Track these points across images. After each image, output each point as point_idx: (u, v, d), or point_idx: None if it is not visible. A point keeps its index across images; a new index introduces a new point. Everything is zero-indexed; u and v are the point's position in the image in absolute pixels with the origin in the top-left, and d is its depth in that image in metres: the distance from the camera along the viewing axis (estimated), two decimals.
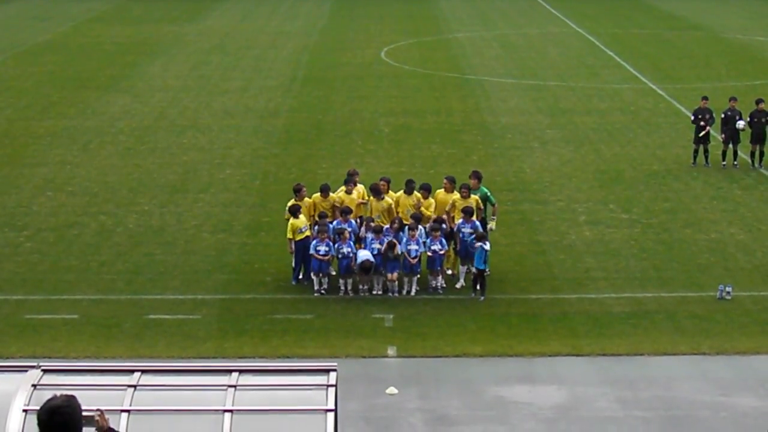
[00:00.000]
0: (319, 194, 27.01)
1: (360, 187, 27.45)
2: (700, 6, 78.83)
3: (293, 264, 26.37)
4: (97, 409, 10.26)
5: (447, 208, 26.67)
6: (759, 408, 20.60)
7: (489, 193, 27.36)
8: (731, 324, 24.18)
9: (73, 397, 9.25)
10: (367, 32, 67.18)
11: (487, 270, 25.95)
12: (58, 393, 9.31)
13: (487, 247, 25.52)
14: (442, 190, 27.03)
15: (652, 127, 41.54)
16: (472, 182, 27.12)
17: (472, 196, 26.71)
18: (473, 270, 25.66)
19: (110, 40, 64.09)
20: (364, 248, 25.77)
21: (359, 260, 25.36)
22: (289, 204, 26.49)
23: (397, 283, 25.74)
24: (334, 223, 26.16)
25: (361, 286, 25.74)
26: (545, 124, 42.04)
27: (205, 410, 13.29)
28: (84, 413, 9.34)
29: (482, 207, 26.80)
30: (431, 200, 26.75)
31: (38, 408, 9.24)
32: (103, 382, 13.59)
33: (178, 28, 68.81)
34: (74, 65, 55.60)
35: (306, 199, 26.76)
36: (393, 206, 26.69)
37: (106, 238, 29.55)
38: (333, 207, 26.78)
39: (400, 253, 25.47)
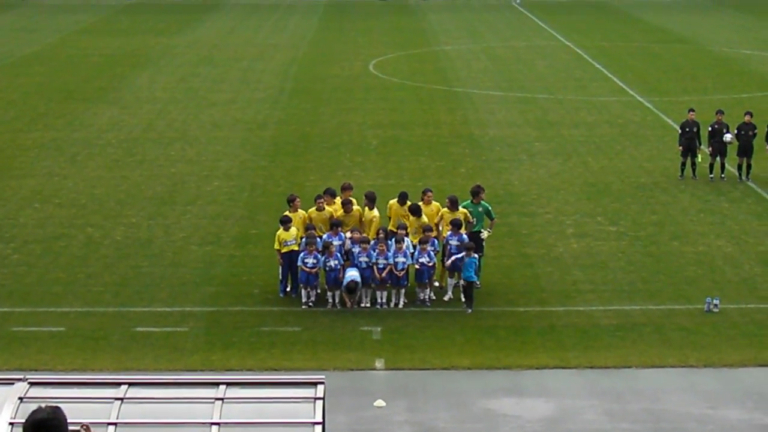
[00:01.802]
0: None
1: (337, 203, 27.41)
2: (686, 19, 79.07)
3: (280, 276, 26.35)
4: (82, 425, 10.20)
5: (435, 221, 26.69)
6: (746, 420, 20.62)
7: (490, 208, 27.38)
8: (719, 336, 24.20)
9: (58, 408, 9.19)
10: (355, 45, 67.25)
11: (477, 283, 25.97)
12: (44, 405, 9.24)
13: (475, 256, 25.57)
14: (421, 203, 27.13)
15: (640, 140, 41.62)
16: (477, 197, 27.13)
17: (461, 209, 26.72)
18: (462, 282, 25.65)
19: (98, 51, 64.02)
20: (353, 263, 25.73)
21: (346, 279, 25.32)
22: (282, 215, 26.51)
23: (386, 293, 25.75)
24: (324, 236, 26.11)
25: (348, 305, 25.67)
26: (533, 137, 42.09)
27: (193, 423, 13.26)
28: (70, 427, 9.28)
29: (471, 221, 26.78)
30: (424, 219, 26.69)
31: (24, 421, 9.19)
32: (90, 395, 13.55)
33: (166, 40, 68.78)
34: (62, 77, 55.54)
35: (300, 211, 26.70)
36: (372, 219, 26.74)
37: (94, 250, 29.49)
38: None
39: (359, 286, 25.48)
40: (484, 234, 26.76)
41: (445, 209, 26.75)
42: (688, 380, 22.26)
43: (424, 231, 26.11)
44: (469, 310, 25.38)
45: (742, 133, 35.88)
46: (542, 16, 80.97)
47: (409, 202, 27.04)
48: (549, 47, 66.14)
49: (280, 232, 26.07)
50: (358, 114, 46.38)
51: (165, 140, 41.55)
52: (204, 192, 34.77)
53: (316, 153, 39.77)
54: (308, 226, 26.30)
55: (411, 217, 26.67)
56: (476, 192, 27.29)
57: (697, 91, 50.92)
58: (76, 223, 31.70)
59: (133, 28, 74.58)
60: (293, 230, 26.10)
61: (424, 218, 26.59)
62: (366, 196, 27.24)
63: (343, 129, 43.60)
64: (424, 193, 27.36)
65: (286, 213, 26.55)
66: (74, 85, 52.97)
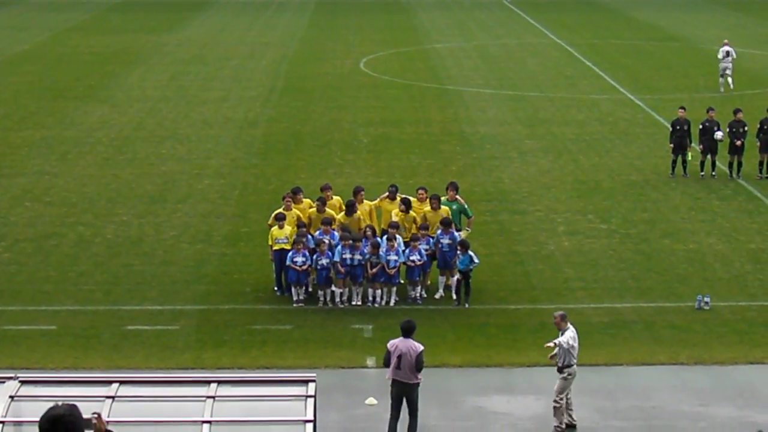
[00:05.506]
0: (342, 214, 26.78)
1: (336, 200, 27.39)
2: (677, 17, 79.14)
3: (274, 274, 26.35)
4: (95, 413, 10.21)
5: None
6: (737, 418, 20.66)
7: (466, 206, 27.30)
8: (709, 334, 24.25)
9: (74, 406, 9.22)
10: (346, 42, 67.22)
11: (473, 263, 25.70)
12: (60, 402, 9.27)
13: (470, 254, 25.57)
14: (415, 200, 27.13)
15: (631, 138, 41.66)
16: (450, 194, 27.13)
17: (443, 207, 26.66)
18: (458, 276, 25.63)
19: (89, 50, 63.92)
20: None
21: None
22: (276, 212, 26.47)
23: (377, 291, 25.73)
24: (316, 233, 26.08)
25: (338, 297, 25.68)
26: (524, 135, 42.11)
27: (184, 421, 13.27)
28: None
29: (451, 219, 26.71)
30: (412, 213, 26.70)
31: (37, 419, 9.16)
32: (81, 393, 13.56)
33: (157, 38, 68.69)
34: (52, 75, 55.44)
35: (294, 209, 26.61)
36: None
37: (85, 248, 29.46)
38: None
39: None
40: (462, 234, 26.71)
41: (427, 208, 26.72)
42: (678, 377, 22.30)
43: (420, 229, 26.14)
44: (467, 305, 25.42)
45: (733, 130, 35.95)
46: (533, 14, 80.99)
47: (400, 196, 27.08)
48: (540, 45, 66.18)
49: (274, 228, 26.06)
50: (349, 112, 46.38)
51: (156, 138, 41.50)
52: (195, 190, 34.74)
53: (307, 151, 39.76)
54: (300, 224, 26.17)
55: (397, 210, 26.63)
56: (447, 188, 27.34)
57: (688, 89, 50.98)
58: (67, 221, 31.66)
59: (124, 27, 74.45)
60: (287, 228, 26.03)
61: (413, 213, 26.57)
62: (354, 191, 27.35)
63: (334, 127, 43.59)
64: (417, 191, 27.36)
65: (281, 210, 26.48)
66: (65, 84, 52.88)
